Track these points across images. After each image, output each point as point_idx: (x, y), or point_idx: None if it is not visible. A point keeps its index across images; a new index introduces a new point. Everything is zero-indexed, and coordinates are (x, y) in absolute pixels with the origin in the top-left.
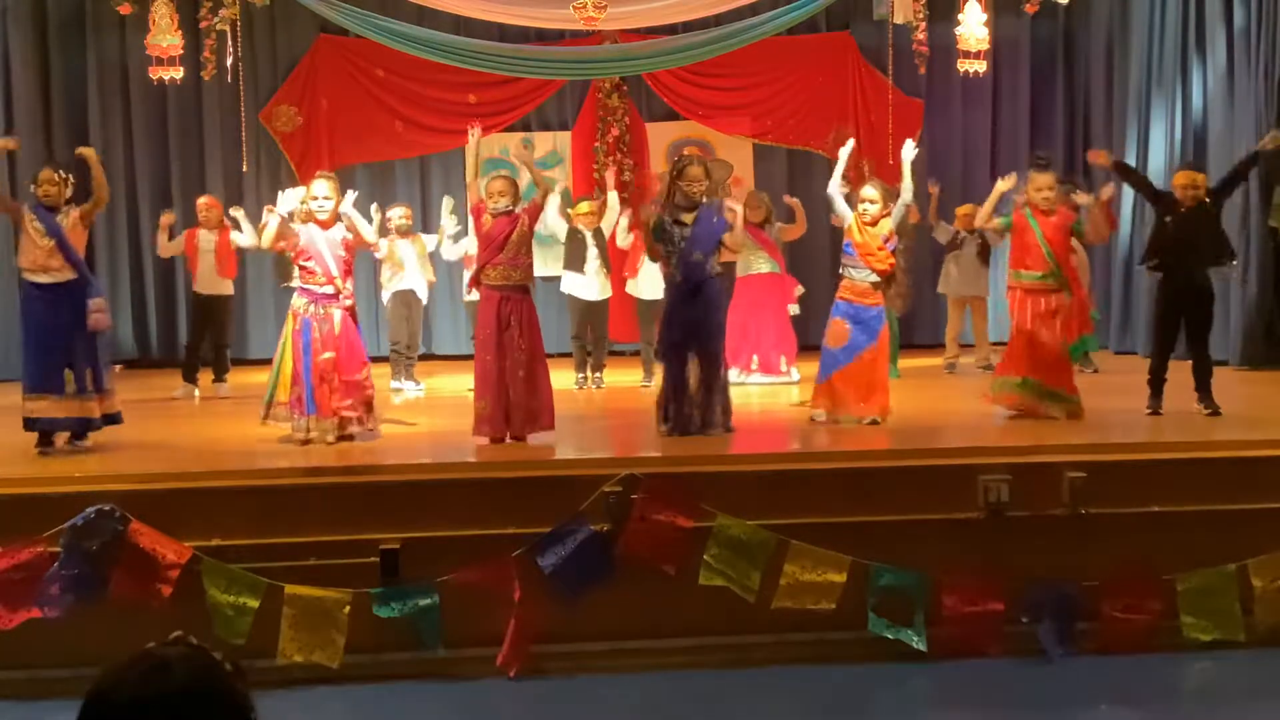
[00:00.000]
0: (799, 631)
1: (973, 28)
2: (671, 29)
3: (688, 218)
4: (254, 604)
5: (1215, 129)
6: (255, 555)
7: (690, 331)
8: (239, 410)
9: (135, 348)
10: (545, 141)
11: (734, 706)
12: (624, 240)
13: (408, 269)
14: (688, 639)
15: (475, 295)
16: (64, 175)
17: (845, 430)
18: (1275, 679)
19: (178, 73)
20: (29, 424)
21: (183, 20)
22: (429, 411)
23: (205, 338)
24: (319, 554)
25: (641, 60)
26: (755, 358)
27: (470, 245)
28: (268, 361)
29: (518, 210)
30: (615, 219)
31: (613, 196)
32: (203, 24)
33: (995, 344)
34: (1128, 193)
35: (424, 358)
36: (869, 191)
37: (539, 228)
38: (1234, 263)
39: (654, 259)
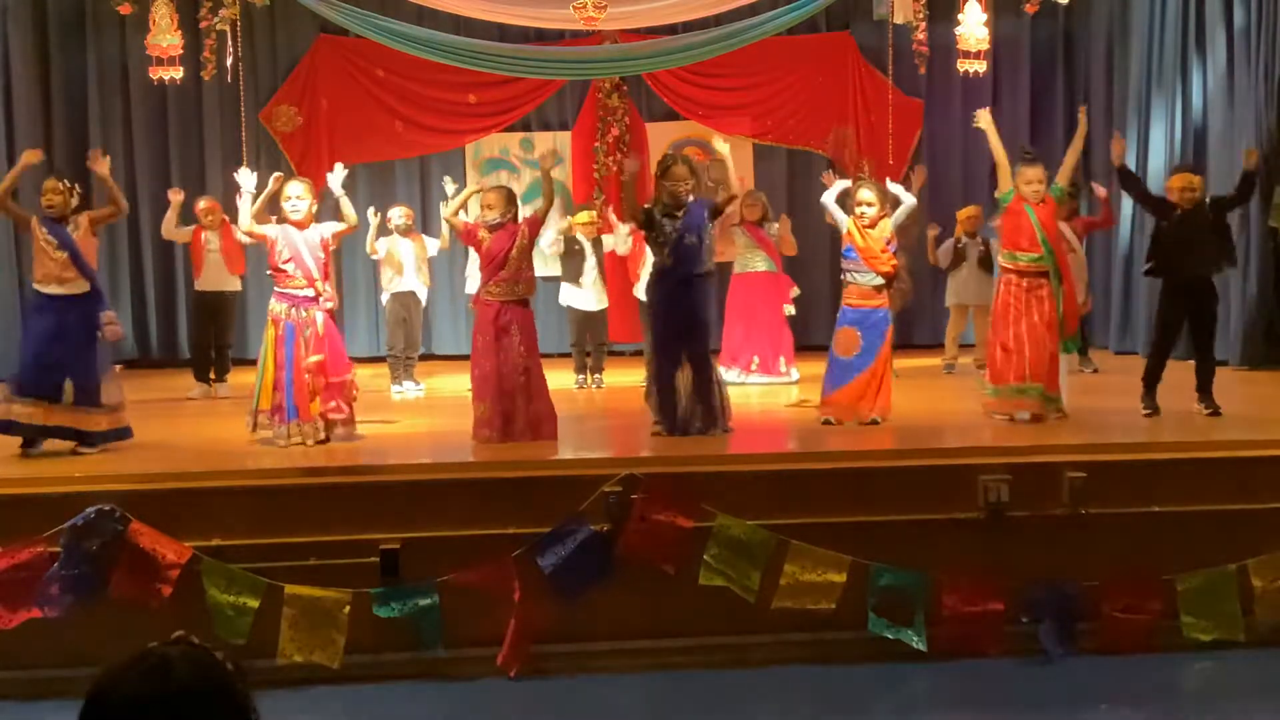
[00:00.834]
0: (799, 631)
1: (973, 28)
2: (671, 29)
3: (678, 211)
4: (254, 604)
5: (1215, 129)
6: (255, 555)
7: (680, 331)
8: (239, 410)
9: (135, 348)
10: (545, 141)
11: (734, 706)
12: (624, 248)
13: (406, 270)
14: (688, 639)
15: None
16: (69, 185)
17: (845, 430)
18: (1275, 679)
19: (178, 73)
20: (5, 426)
21: (183, 20)
22: (429, 411)
23: (210, 336)
24: (319, 554)
25: (641, 60)
26: (755, 358)
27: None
28: None
29: (518, 221)
30: (617, 240)
31: (622, 229)
32: (203, 24)
33: None
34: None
35: (424, 358)
36: (865, 195)
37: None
38: (1231, 269)
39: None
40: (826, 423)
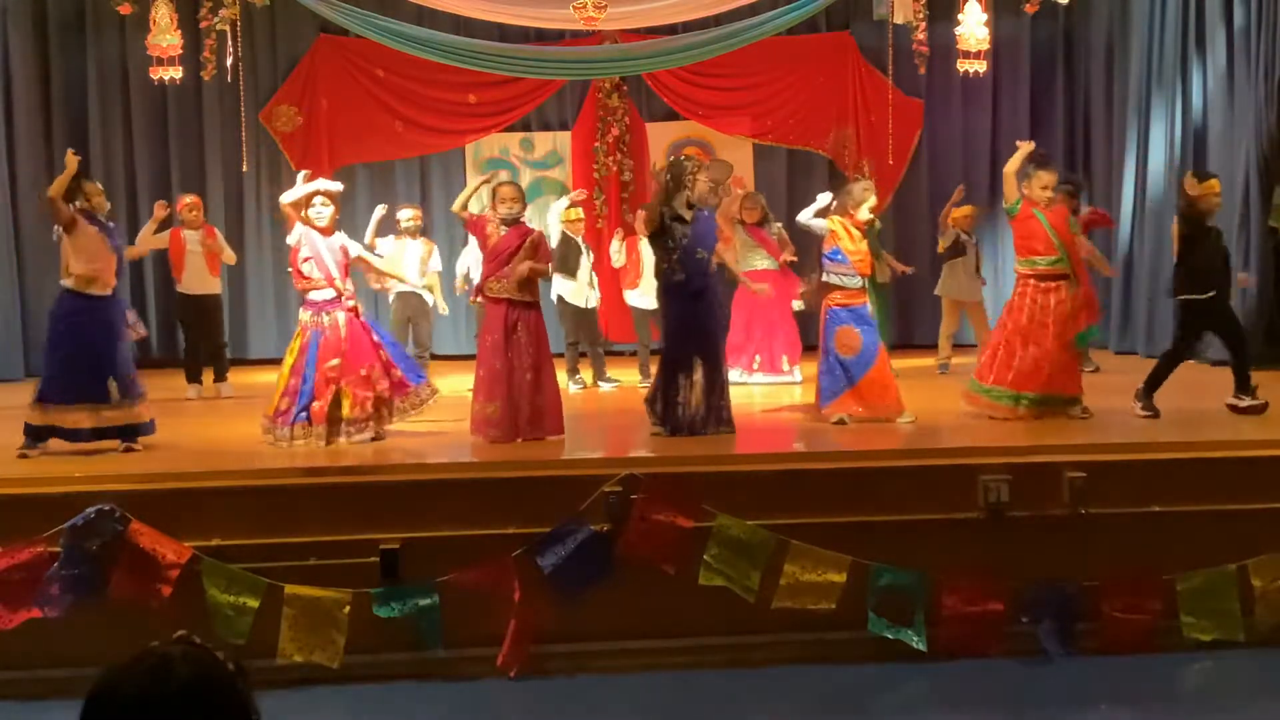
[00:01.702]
0: (799, 631)
1: (973, 28)
2: (671, 29)
3: (686, 214)
4: (254, 604)
5: (1215, 129)
6: (255, 555)
7: (697, 339)
8: (239, 410)
9: (135, 348)
10: (545, 141)
11: (734, 706)
12: (618, 260)
13: (409, 271)
14: (688, 639)
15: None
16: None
17: (845, 430)
18: (1275, 679)
19: (178, 73)
20: (55, 433)
21: (183, 20)
22: (429, 411)
23: (202, 337)
24: (319, 554)
25: (641, 60)
26: (758, 357)
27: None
28: (268, 361)
29: (527, 224)
30: (611, 251)
31: (615, 241)
32: (203, 24)
33: None
34: (1128, 194)
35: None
36: (866, 209)
37: None
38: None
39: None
40: (840, 421)
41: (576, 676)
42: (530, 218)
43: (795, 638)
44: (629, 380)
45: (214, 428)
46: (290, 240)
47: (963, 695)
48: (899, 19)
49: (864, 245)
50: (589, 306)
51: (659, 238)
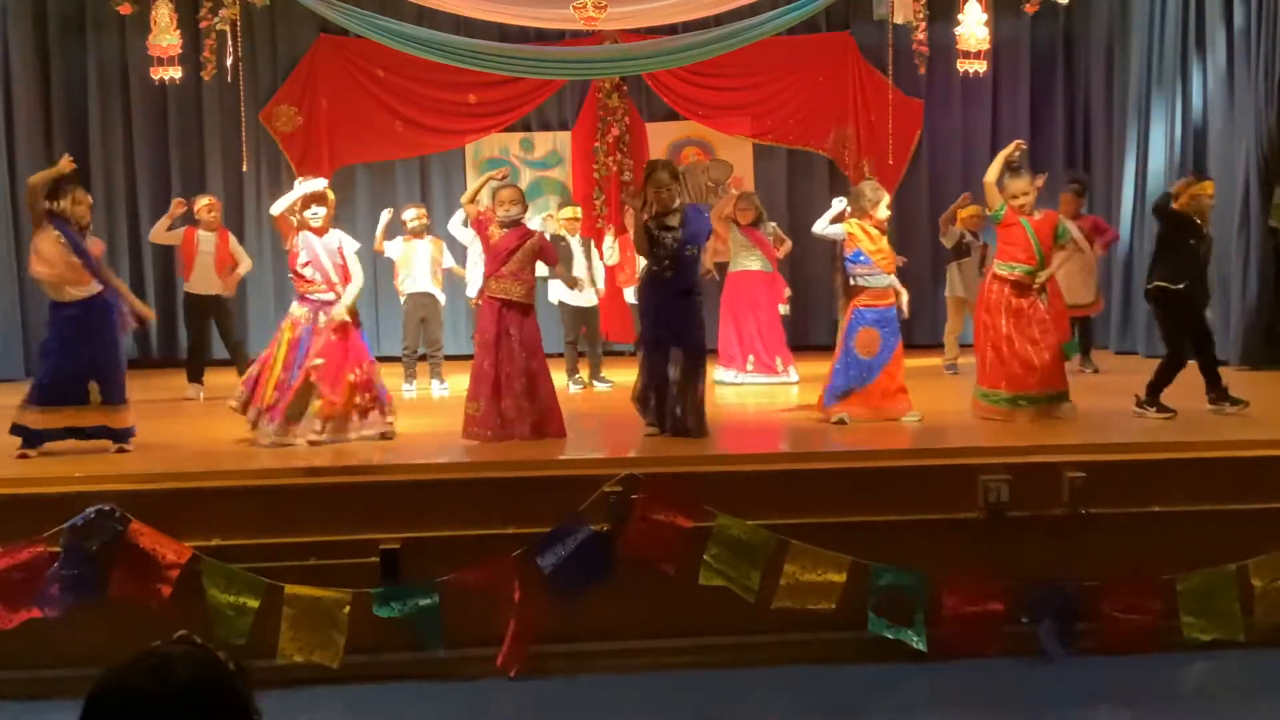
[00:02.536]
0: (799, 631)
1: (973, 28)
2: (671, 29)
3: (673, 220)
4: (254, 604)
5: (1215, 129)
6: (255, 555)
7: (671, 326)
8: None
9: (135, 348)
10: (545, 141)
11: (734, 706)
12: (611, 258)
13: (415, 271)
14: (688, 639)
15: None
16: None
17: (846, 430)
18: (1275, 679)
19: (178, 73)
20: (33, 434)
21: (183, 20)
22: (429, 411)
23: (207, 336)
24: (319, 554)
25: (641, 60)
26: (751, 358)
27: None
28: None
29: (528, 226)
30: (605, 248)
31: (609, 238)
32: (203, 24)
33: None
34: (1128, 194)
35: (423, 358)
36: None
37: None
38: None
39: (641, 253)
40: (840, 421)
41: (576, 676)
42: (529, 218)
43: (795, 638)
44: (625, 381)
45: (213, 428)
46: (291, 247)
47: (962, 695)
48: (899, 19)
49: (884, 243)
50: (588, 305)
51: (651, 245)
